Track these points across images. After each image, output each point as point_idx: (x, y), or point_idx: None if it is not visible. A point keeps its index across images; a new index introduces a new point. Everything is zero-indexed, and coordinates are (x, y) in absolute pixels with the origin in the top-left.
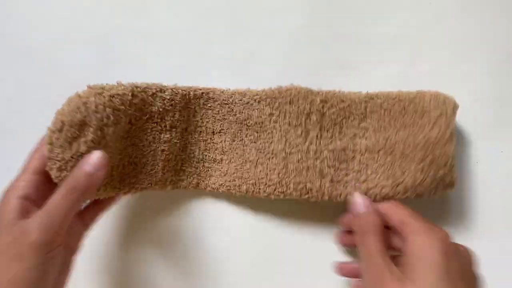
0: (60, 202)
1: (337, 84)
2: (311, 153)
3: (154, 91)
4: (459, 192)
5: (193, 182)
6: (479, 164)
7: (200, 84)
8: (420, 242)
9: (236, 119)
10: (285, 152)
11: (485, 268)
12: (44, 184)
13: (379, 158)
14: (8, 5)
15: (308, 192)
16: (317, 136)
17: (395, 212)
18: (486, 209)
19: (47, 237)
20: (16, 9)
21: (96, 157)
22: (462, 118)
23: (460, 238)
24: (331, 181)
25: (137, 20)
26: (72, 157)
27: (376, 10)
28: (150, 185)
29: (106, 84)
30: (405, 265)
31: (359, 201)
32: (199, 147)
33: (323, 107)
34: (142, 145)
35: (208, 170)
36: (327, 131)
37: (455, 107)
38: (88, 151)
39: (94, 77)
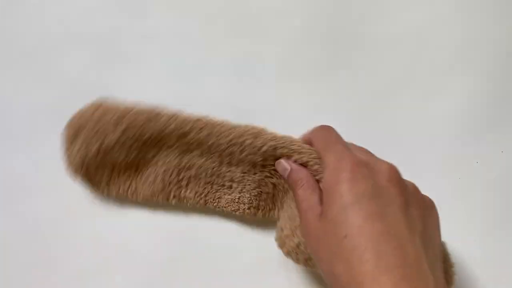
0: None
1: (336, 84)
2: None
3: (150, 115)
4: (460, 192)
5: (200, 201)
6: (479, 164)
7: (200, 83)
8: (328, 177)
9: (249, 160)
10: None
11: (486, 268)
12: None
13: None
14: (8, 6)
15: None
16: None
17: (315, 146)
18: (486, 209)
19: None
20: (16, 9)
21: None
22: (462, 118)
23: (460, 237)
24: None
25: (137, 20)
26: None
27: (376, 10)
28: (154, 195)
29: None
30: (323, 202)
31: (282, 164)
32: (207, 171)
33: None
34: (148, 157)
35: (217, 192)
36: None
37: None
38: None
39: (94, 77)
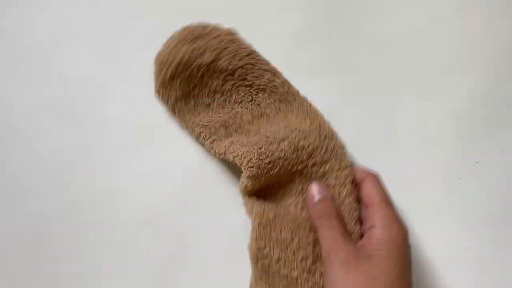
0: None
1: (336, 84)
2: None
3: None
4: (459, 192)
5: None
6: (479, 164)
7: None
8: (387, 232)
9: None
10: None
11: (485, 268)
12: None
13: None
14: (8, 5)
15: None
16: None
17: (367, 191)
18: (486, 209)
19: None
20: (16, 9)
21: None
22: (462, 118)
23: (460, 237)
24: None
25: (137, 20)
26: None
27: (376, 10)
28: (196, 115)
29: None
30: (370, 245)
31: (314, 189)
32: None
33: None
34: (210, 85)
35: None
36: None
37: None
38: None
39: (94, 77)
